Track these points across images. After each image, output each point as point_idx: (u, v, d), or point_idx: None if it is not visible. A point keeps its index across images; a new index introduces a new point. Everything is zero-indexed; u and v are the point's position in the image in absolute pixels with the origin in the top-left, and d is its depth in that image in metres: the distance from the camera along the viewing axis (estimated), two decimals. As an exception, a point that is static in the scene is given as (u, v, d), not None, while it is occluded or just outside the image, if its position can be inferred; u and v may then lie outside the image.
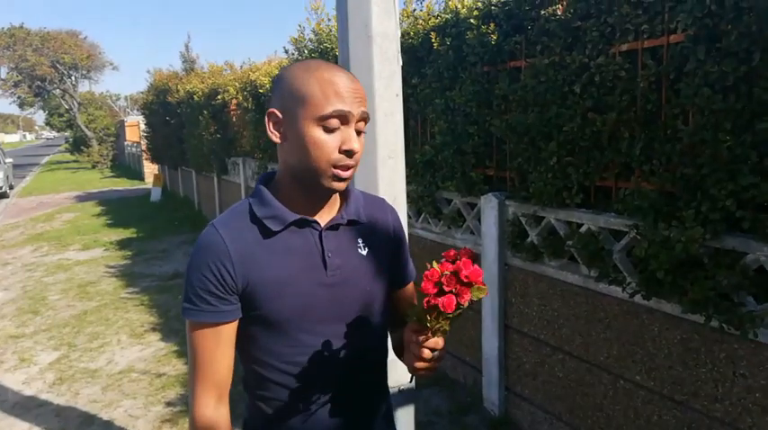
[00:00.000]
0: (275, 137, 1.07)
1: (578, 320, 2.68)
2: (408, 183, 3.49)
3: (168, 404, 3.67)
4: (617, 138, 2.38)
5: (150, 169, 17.07)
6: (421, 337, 0.97)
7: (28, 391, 3.94)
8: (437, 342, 0.98)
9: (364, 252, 1.15)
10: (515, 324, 3.11)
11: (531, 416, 3.08)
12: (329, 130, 1.00)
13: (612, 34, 2.41)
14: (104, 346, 4.70)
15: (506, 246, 3.10)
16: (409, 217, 3.94)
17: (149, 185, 15.42)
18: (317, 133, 1.00)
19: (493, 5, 3.03)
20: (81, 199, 14.84)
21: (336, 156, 1.01)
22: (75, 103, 30.82)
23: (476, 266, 0.93)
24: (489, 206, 3.12)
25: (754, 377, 1.97)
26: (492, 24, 2.99)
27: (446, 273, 0.93)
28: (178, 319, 5.17)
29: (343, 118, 1.01)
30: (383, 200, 1.29)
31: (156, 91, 11.94)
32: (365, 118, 1.05)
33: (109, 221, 10.89)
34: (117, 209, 12.51)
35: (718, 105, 1.94)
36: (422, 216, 3.90)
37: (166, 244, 8.54)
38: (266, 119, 1.07)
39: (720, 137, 1.93)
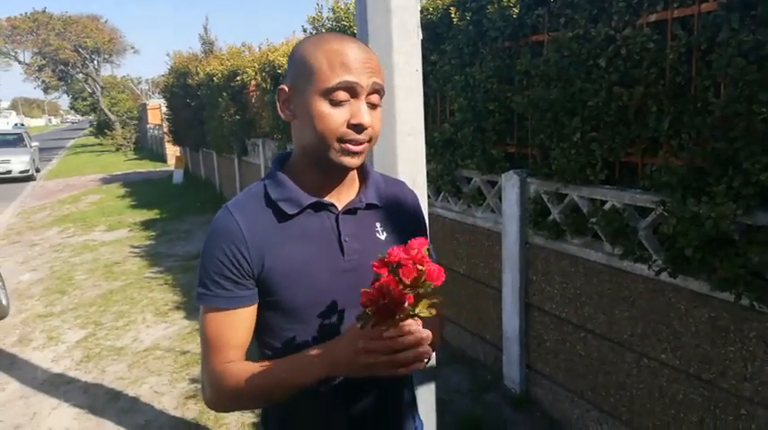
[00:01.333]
0: (285, 115, 1.03)
1: (601, 298, 2.64)
2: (428, 161, 3.45)
3: (193, 381, 3.73)
4: (644, 113, 2.31)
5: (172, 151, 17.22)
6: (387, 333, 0.87)
7: (56, 369, 4.04)
8: (410, 325, 0.87)
9: (383, 237, 1.10)
10: (536, 302, 3.08)
11: (552, 394, 3.06)
12: (336, 104, 0.95)
13: (640, 4, 2.32)
14: (130, 325, 4.78)
15: (528, 224, 3.05)
16: (429, 196, 3.91)
17: (172, 167, 15.56)
18: (322, 107, 0.95)
19: (515, -23, 2.95)
20: (105, 181, 15.05)
21: (343, 130, 0.96)
22: (97, 86, 31.13)
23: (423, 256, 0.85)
24: (510, 184, 3.07)
25: (785, 356, 1.92)
26: (514, -3, 2.91)
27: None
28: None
29: (351, 90, 0.96)
30: (403, 183, 1.24)
31: (177, 74, 11.97)
32: (378, 90, 0.99)
33: (133, 203, 11.03)
34: (140, 190, 12.66)
35: (753, 76, 1.86)
36: (441, 195, 3.86)
37: (189, 224, 8.63)
38: (276, 96, 1.04)
39: (755, 109, 1.86)
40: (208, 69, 9.49)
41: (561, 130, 2.68)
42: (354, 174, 1.10)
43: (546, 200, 2.91)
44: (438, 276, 0.86)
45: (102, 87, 30.97)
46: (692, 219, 2.03)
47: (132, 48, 36.02)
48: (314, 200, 1.04)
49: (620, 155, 2.47)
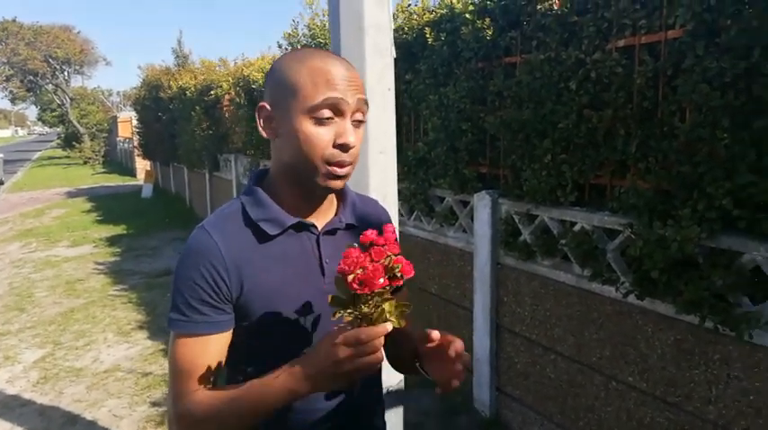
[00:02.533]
0: (266, 133, 1.00)
1: (571, 320, 2.64)
2: (401, 180, 3.45)
3: (154, 404, 3.60)
4: (613, 136, 2.34)
5: (142, 165, 16.94)
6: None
7: (11, 390, 3.87)
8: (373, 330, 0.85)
9: None
10: (507, 323, 3.07)
11: (521, 416, 3.04)
12: (321, 123, 0.93)
13: (609, 30, 2.36)
14: (90, 344, 4.62)
15: (499, 245, 3.06)
16: (401, 215, 3.89)
17: (141, 182, 15.30)
18: (307, 126, 0.93)
19: (488, 0, 2.99)
20: (72, 195, 14.70)
21: (330, 151, 0.94)
22: (67, 98, 30.57)
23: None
24: (482, 204, 3.07)
25: (749, 379, 1.94)
26: (487, 19, 2.95)
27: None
28: (165, 317, 5.09)
29: (336, 108, 0.93)
30: (376, 201, 1.23)
31: (149, 87, 11.85)
32: (362, 108, 0.97)
33: (99, 218, 10.78)
34: (108, 205, 12.39)
35: (717, 102, 1.90)
36: (414, 214, 3.85)
37: (157, 241, 8.45)
38: (256, 113, 1.00)
39: (718, 134, 1.90)
40: (181, 83, 9.40)
41: (532, 151, 2.70)
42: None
43: (517, 220, 2.92)
44: (407, 269, 0.87)
45: (71, 99, 30.43)
46: (658, 241, 2.05)
47: (104, 59, 35.51)
48: (296, 220, 1.01)
49: (590, 177, 2.50)
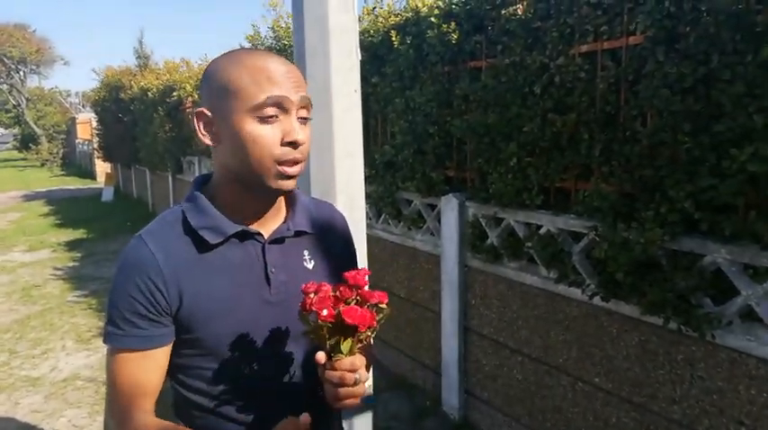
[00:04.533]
0: (207, 139, 0.95)
1: (537, 322, 2.67)
2: (368, 183, 3.43)
3: (115, 413, 3.49)
4: (576, 140, 2.37)
5: (102, 168, 16.49)
6: (332, 362, 0.86)
7: (-38, 402, 3.70)
8: (353, 362, 0.86)
9: (310, 265, 1.04)
10: (475, 326, 3.08)
11: (490, 419, 3.05)
12: (266, 121, 0.89)
13: (572, 35, 2.39)
14: (48, 353, 4.46)
15: (466, 248, 3.06)
16: (369, 217, 3.87)
17: (101, 185, 14.90)
18: (252, 127, 0.89)
19: (453, 4, 2.99)
20: (28, 198, 14.22)
21: (279, 150, 0.90)
22: (23, 98, 29.62)
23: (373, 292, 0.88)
24: (449, 207, 3.08)
25: (712, 379, 1.98)
26: (453, 23, 2.95)
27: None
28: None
29: (280, 105, 0.90)
30: (332, 205, 1.19)
31: (109, 87, 11.54)
32: (306, 104, 0.94)
33: (57, 222, 10.44)
34: (66, 209, 12.01)
35: (677, 107, 1.94)
36: (382, 217, 3.84)
37: (118, 245, 8.22)
38: (195, 119, 0.95)
39: (679, 138, 1.93)
40: (142, 83, 9.19)
41: (498, 155, 2.71)
42: (281, 198, 1.04)
43: (484, 223, 2.93)
44: (380, 296, 0.88)
45: (27, 99, 29.49)
46: (622, 244, 2.08)
47: (62, 59, 34.42)
48: (239, 228, 0.96)
49: (555, 180, 2.52)
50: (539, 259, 2.59)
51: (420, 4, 3.26)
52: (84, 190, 15.70)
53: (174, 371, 0.99)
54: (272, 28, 5.10)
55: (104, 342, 0.94)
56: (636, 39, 2.16)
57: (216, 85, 0.92)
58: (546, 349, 2.63)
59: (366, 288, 0.90)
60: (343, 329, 0.85)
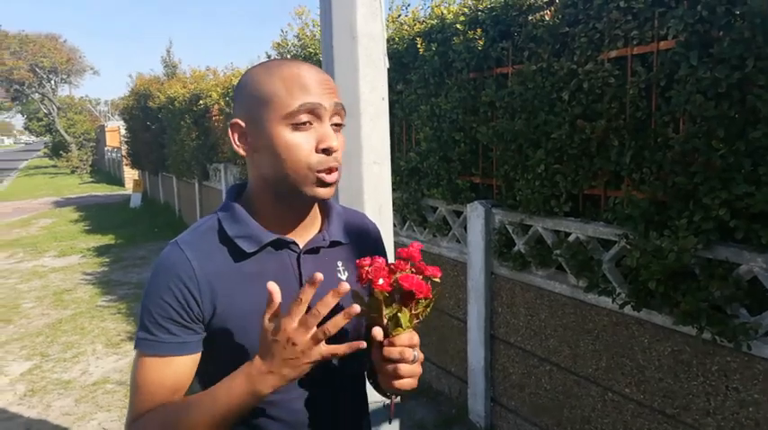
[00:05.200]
0: (242, 149, 0.95)
1: (566, 331, 2.63)
2: (393, 190, 3.42)
3: (143, 417, 3.54)
4: (606, 146, 2.34)
5: (130, 175, 16.82)
6: (390, 338, 0.89)
7: (-4, 404, 3.79)
8: (411, 337, 0.90)
9: (344, 276, 1.03)
10: (502, 334, 3.05)
11: (517, 428, 3.02)
12: (300, 128, 0.89)
13: (601, 40, 2.37)
14: (79, 356, 4.54)
15: (493, 255, 3.04)
16: (394, 225, 3.86)
17: (129, 191, 15.18)
18: (287, 135, 0.89)
19: (479, 11, 2.99)
20: (59, 204, 14.55)
21: (315, 158, 0.90)
22: (54, 107, 30.35)
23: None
24: (475, 214, 3.06)
25: (747, 390, 1.93)
26: (478, 30, 2.95)
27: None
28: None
29: (314, 112, 0.90)
30: (364, 215, 1.18)
31: (137, 96, 11.77)
32: (340, 111, 0.93)
33: (87, 227, 10.66)
34: (95, 215, 12.27)
35: (711, 112, 1.90)
36: (407, 224, 3.83)
37: (145, 251, 8.36)
38: (229, 130, 0.96)
39: (713, 144, 1.89)
40: (170, 92, 9.35)
41: (525, 162, 2.69)
42: (316, 207, 1.03)
43: (511, 231, 2.91)
44: (434, 270, 0.91)
45: (58, 108, 30.21)
46: (655, 252, 2.04)
47: (92, 68, 35.22)
48: (275, 237, 0.95)
49: (584, 187, 2.49)
50: (568, 267, 2.55)
51: (445, 11, 3.26)
52: (113, 196, 16.02)
53: (206, 379, 0.98)
54: (298, 36, 5.15)
55: (135, 347, 0.94)
56: (667, 44, 2.13)
57: (249, 95, 0.93)
58: (575, 358, 2.60)
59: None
60: (401, 298, 0.87)
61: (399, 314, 0.87)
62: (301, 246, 0.99)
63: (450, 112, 3.19)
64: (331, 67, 1.93)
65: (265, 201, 0.97)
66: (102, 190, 18.15)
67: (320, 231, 1.02)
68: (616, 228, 2.29)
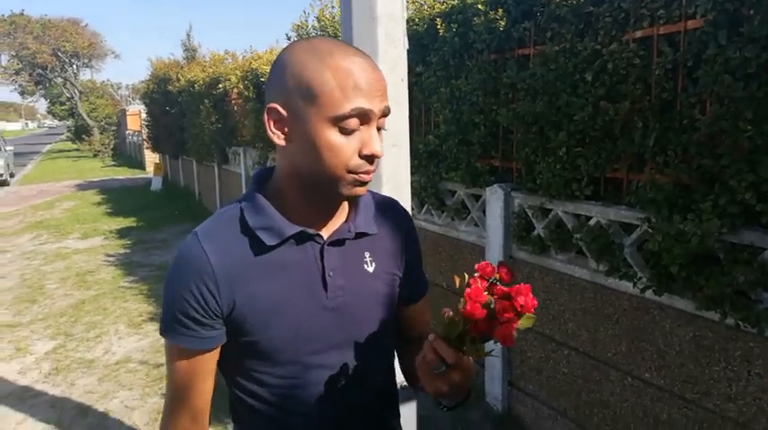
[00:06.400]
0: (278, 137, 0.88)
1: (585, 315, 2.61)
2: (412, 173, 3.41)
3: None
4: (630, 128, 2.30)
5: (151, 158, 16.99)
6: (456, 359, 0.84)
7: (23, 381, 3.89)
8: (469, 362, 0.86)
9: (371, 268, 0.99)
10: (520, 318, 3.03)
11: (535, 411, 3.02)
12: (347, 132, 0.83)
13: (626, 20, 2.31)
14: (101, 336, 4.64)
15: (511, 239, 3.02)
16: (411, 208, 3.86)
17: (150, 175, 15.35)
18: (332, 136, 0.83)
19: (501, -10, 2.94)
20: (82, 187, 14.78)
21: (356, 162, 0.85)
22: (76, 91, 30.72)
23: (531, 295, 0.79)
24: (494, 197, 3.04)
25: (771, 377, 1.90)
26: (500, 10, 2.90)
27: (493, 296, 0.80)
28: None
29: (365, 117, 0.84)
30: (396, 202, 1.12)
31: (157, 80, 11.85)
32: (387, 113, 0.88)
33: (109, 210, 10.83)
34: (117, 198, 12.44)
35: (739, 93, 1.85)
36: (425, 207, 3.82)
37: (166, 233, 8.47)
38: (265, 115, 0.88)
39: (741, 126, 1.85)
40: (189, 76, 9.39)
41: (546, 145, 2.66)
42: None
43: (530, 214, 2.88)
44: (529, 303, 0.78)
45: (80, 92, 30.57)
46: (678, 236, 2.01)
47: (113, 53, 35.67)
48: (298, 229, 0.91)
49: (606, 170, 2.45)
50: (588, 251, 2.53)
51: (467, -8, 3.21)
52: (134, 179, 16.22)
53: (230, 373, 0.98)
54: (318, 18, 5.12)
55: (160, 333, 0.94)
56: (695, 23, 2.07)
57: (294, 83, 0.85)
58: (594, 343, 2.58)
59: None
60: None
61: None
62: (326, 238, 0.95)
63: (470, 95, 3.16)
64: (350, 47, 1.91)
65: (293, 192, 0.93)
66: (124, 173, 18.38)
67: (346, 221, 0.98)
68: (638, 211, 2.26)
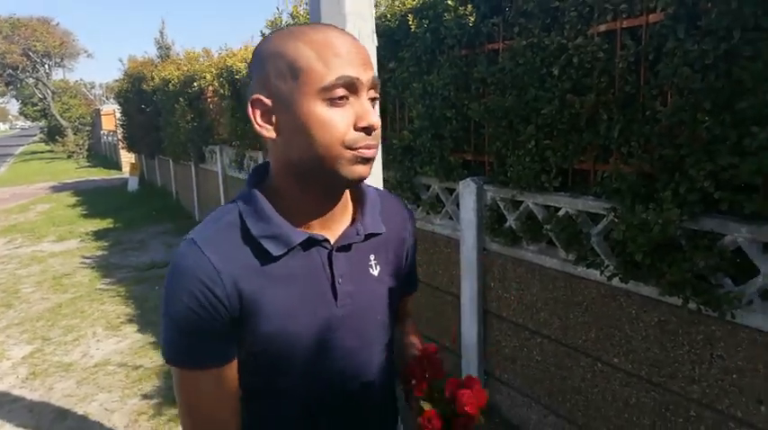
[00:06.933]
0: (266, 130, 0.83)
1: (557, 304, 2.67)
2: (387, 168, 3.45)
3: (145, 396, 3.60)
4: (595, 121, 2.35)
5: (127, 158, 16.78)
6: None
7: (0, 387, 3.85)
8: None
9: (376, 272, 0.96)
10: (494, 309, 3.09)
11: (510, 400, 3.08)
12: (336, 104, 0.79)
13: (591, 14, 2.36)
14: (79, 339, 4.60)
15: (485, 232, 3.07)
16: (388, 203, 3.89)
17: (126, 175, 15.16)
18: (320, 110, 0.79)
19: (470, -14, 2.97)
20: (56, 189, 14.55)
21: (352, 135, 0.80)
22: (48, 91, 30.17)
23: (470, 390, 0.96)
24: (467, 191, 3.08)
25: (731, 358, 1.97)
26: (469, 6, 2.94)
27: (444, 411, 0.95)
28: (155, 310, 5.08)
29: (351, 86, 0.80)
30: (399, 199, 1.08)
31: (131, 79, 11.70)
32: (376, 85, 0.84)
33: (84, 212, 10.68)
34: (93, 199, 12.27)
35: (698, 85, 1.91)
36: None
37: (143, 234, 8.40)
38: (250, 109, 0.84)
39: (699, 117, 1.91)
40: (164, 74, 9.30)
41: (516, 138, 2.71)
42: (347, 194, 0.94)
43: (502, 207, 2.93)
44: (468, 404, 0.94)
45: (53, 92, 30.03)
46: (641, 224, 2.07)
47: (86, 52, 35.09)
48: (305, 236, 0.87)
49: (574, 162, 2.51)
50: (557, 241, 2.59)
51: (437, -12, 3.24)
52: (110, 180, 16.01)
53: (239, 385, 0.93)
54: (292, 14, 5.12)
55: (167, 362, 0.86)
56: (656, 16, 2.13)
57: (273, 68, 0.81)
58: (565, 331, 2.64)
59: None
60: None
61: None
62: (332, 242, 0.90)
63: (442, 90, 3.19)
64: (319, 44, 1.93)
65: (291, 188, 0.87)
66: (99, 174, 18.12)
67: (352, 223, 0.94)
68: (604, 201, 2.32)
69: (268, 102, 0.82)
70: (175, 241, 7.92)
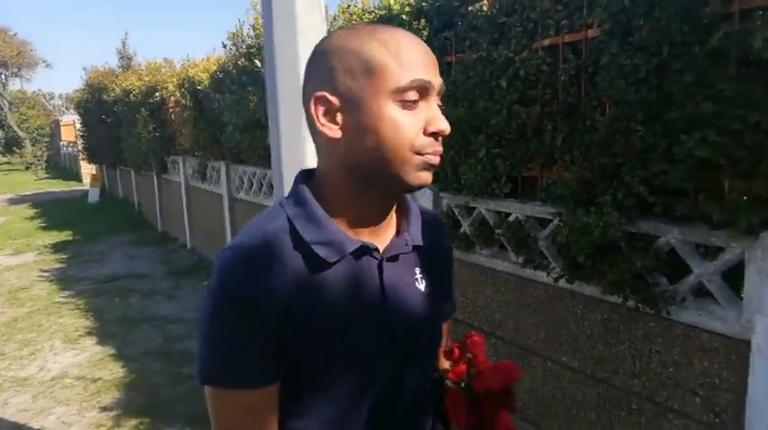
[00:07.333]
0: (329, 129, 0.79)
1: (509, 306, 2.77)
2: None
3: (103, 409, 3.56)
4: (541, 130, 2.47)
5: (87, 170, 16.45)
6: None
7: (-49, 403, 3.75)
8: None
9: (422, 286, 0.91)
10: (452, 313, 3.17)
11: (468, 402, 3.15)
12: (408, 106, 0.76)
13: (535, 29, 2.49)
14: (36, 353, 4.51)
15: (442, 238, 3.15)
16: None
17: (87, 186, 14.85)
18: (394, 112, 0.76)
19: (424, 2, 3.08)
20: (13, 202, 14.16)
21: (422, 140, 0.78)
22: (5, 102, 29.33)
23: (493, 366, 1.01)
24: (424, 198, 3.17)
25: (668, 352, 2.09)
26: (423, 20, 3.04)
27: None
28: (115, 322, 5.02)
29: (424, 89, 0.77)
30: (437, 215, 1.06)
31: (92, 89, 11.51)
32: (442, 92, 0.82)
33: (43, 224, 10.44)
34: (52, 211, 11.99)
35: (631, 97, 2.04)
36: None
37: (104, 245, 8.26)
38: (312, 107, 0.79)
39: (633, 127, 2.03)
40: (125, 85, 9.20)
41: (468, 147, 2.81)
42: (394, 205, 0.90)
43: (457, 213, 3.03)
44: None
45: (9, 103, 29.21)
46: (583, 228, 2.18)
47: (44, 61, 34.12)
48: (359, 244, 0.82)
49: (522, 169, 2.62)
50: (508, 245, 2.69)
51: (392, 2, 3.34)
52: (70, 192, 15.65)
53: (280, 398, 0.85)
54: (253, 26, 5.16)
55: (201, 382, 0.80)
56: (594, 32, 2.26)
57: (343, 64, 0.78)
58: (517, 331, 2.74)
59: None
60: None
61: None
62: (381, 251, 0.86)
63: (398, 100, 3.27)
64: (273, 59, 1.99)
65: (345, 194, 0.83)
66: (59, 186, 17.69)
67: (398, 234, 0.90)
68: (550, 206, 2.43)
69: (334, 99, 0.78)
70: (137, 252, 7.82)
